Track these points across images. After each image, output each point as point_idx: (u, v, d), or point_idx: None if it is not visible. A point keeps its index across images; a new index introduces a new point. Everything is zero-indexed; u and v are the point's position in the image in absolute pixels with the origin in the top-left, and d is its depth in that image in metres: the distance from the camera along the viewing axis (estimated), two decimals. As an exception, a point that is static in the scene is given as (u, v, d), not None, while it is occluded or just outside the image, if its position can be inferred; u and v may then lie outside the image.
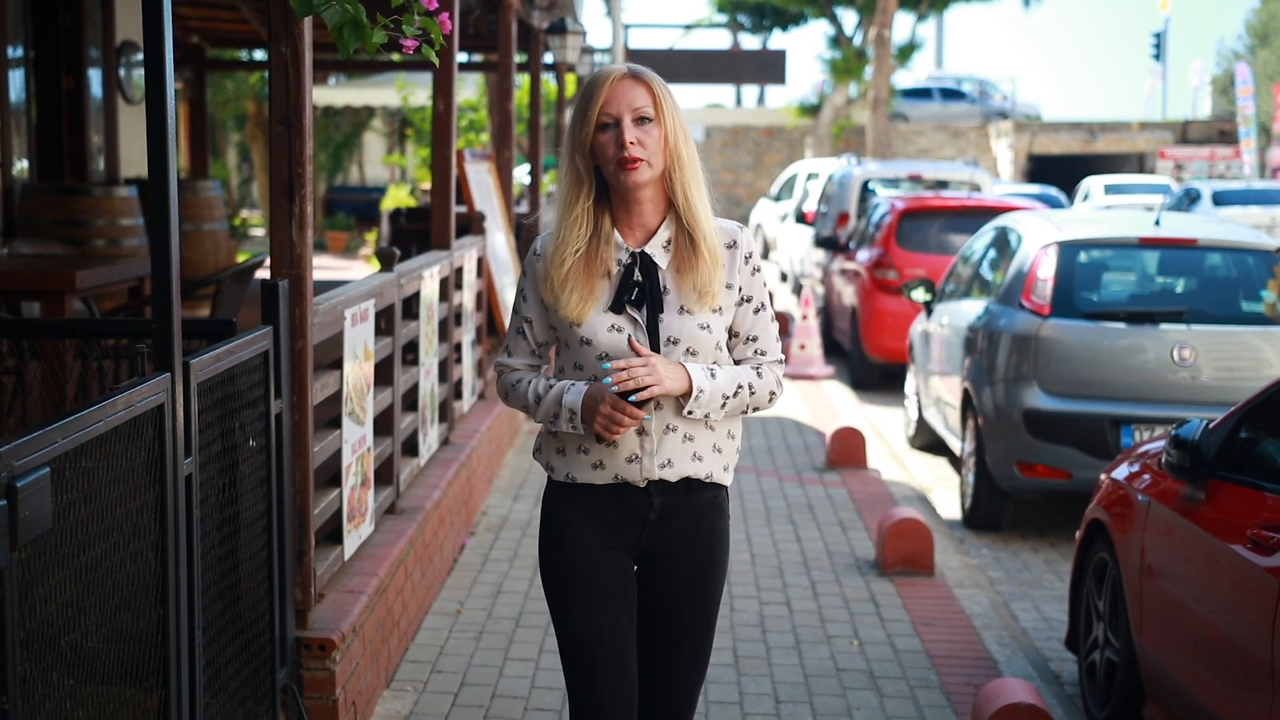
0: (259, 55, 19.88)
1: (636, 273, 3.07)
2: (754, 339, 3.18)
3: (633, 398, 2.97)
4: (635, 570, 3.23)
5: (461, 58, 14.52)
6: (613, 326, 3.07)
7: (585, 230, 3.08)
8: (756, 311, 3.18)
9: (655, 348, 3.06)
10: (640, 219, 3.11)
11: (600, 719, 3.14)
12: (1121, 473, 5.22)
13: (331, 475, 4.96)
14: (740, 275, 3.14)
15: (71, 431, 2.76)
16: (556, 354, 3.23)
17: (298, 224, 4.33)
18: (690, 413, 3.07)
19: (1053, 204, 22.88)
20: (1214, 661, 4.24)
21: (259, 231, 25.27)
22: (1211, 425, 4.54)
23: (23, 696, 2.61)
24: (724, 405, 3.10)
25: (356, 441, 5.05)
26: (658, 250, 3.09)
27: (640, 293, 3.07)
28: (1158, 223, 8.05)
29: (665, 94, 3.07)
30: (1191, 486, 4.52)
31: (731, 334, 3.17)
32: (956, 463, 9.40)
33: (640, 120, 3.03)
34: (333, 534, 4.95)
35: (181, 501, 3.36)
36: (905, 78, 38.13)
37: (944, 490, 8.98)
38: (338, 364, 4.93)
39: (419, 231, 10.29)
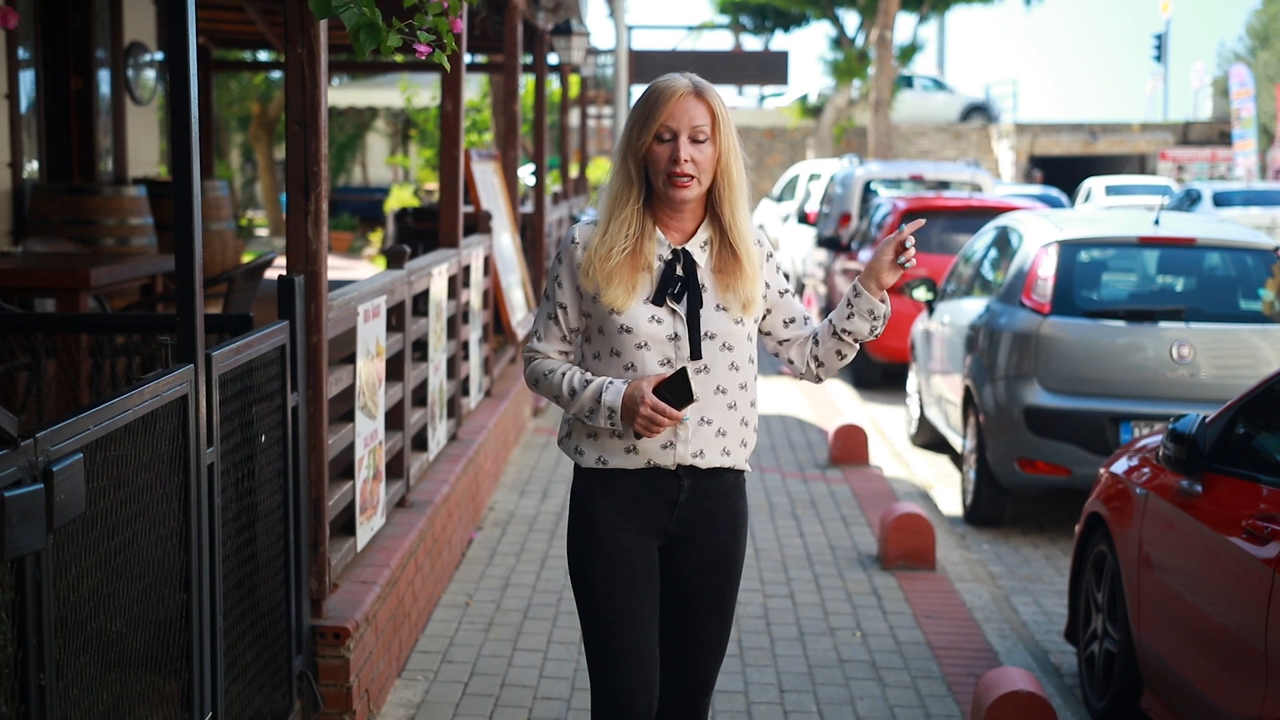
0: (263, 56, 19.97)
1: (678, 269, 3.24)
2: (806, 319, 3.43)
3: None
4: (660, 553, 3.34)
5: (467, 59, 14.59)
6: (653, 318, 3.23)
7: (633, 230, 3.24)
8: (792, 296, 3.41)
9: (695, 340, 3.23)
10: (680, 222, 3.29)
11: (622, 699, 3.24)
12: (1120, 467, 5.30)
13: (344, 468, 5.05)
14: (767, 274, 3.35)
15: (102, 419, 2.85)
16: (586, 340, 3.35)
17: (313, 221, 4.41)
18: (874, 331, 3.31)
19: (1053, 205, 22.93)
20: (1210, 651, 4.32)
21: (264, 231, 25.36)
22: (1208, 419, 4.63)
23: (55, 678, 2.70)
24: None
25: (369, 435, 5.13)
26: (695, 249, 3.27)
27: (682, 287, 3.23)
28: (1157, 222, 8.13)
29: (724, 113, 3.23)
30: (1188, 479, 4.60)
31: (788, 323, 3.39)
32: (958, 460, 9.48)
33: (696, 140, 3.18)
34: (346, 525, 5.04)
35: (204, 490, 3.45)
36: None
37: (945, 487, 9.07)
38: (350, 359, 5.01)
39: (425, 231, 10.39)
